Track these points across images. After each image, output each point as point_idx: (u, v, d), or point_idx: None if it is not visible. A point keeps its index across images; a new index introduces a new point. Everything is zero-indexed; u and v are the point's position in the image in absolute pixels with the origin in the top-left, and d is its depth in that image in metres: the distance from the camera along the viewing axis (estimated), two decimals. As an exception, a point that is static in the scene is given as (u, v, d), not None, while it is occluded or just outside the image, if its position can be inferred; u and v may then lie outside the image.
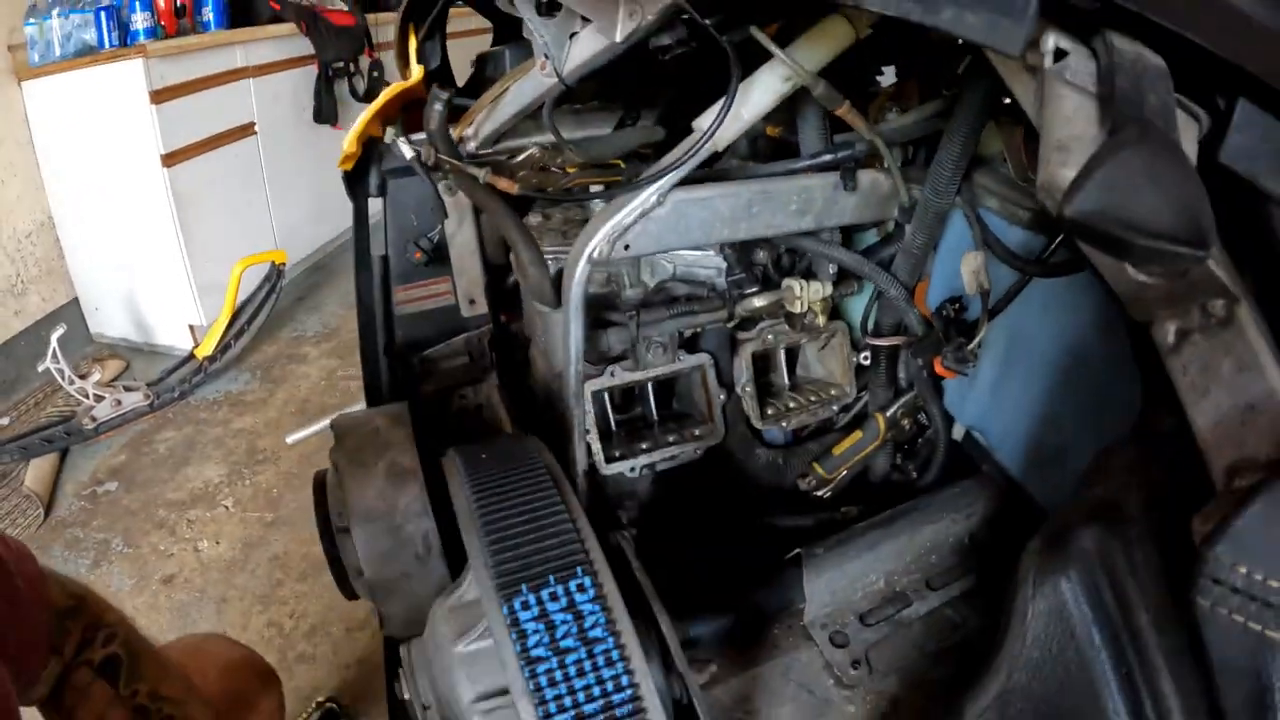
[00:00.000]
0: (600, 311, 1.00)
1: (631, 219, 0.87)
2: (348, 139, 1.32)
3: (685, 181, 0.88)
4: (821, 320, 1.15)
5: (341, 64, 3.07)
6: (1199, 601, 0.41)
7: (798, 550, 1.00)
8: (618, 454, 1.09)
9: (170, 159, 2.43)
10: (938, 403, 1.15)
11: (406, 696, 0.74)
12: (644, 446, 1.11)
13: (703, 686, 0.86)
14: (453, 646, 0.73)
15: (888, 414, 1.18)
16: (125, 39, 2.35)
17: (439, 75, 1.46)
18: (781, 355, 1.26)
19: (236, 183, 2.77)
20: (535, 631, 0.58)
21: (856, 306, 1.21)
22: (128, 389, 2.45)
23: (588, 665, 0.57)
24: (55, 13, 2.25)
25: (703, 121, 0.85)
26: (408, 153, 1.31)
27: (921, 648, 0.95)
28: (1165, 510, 0.48)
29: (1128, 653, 0.45)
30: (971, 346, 0.90)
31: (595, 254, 0.87)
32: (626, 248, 0.88)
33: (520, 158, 1.05)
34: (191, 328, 2.78)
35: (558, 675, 0.56)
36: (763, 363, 1.26)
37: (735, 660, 0.93)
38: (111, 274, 2.72)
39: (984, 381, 1.12)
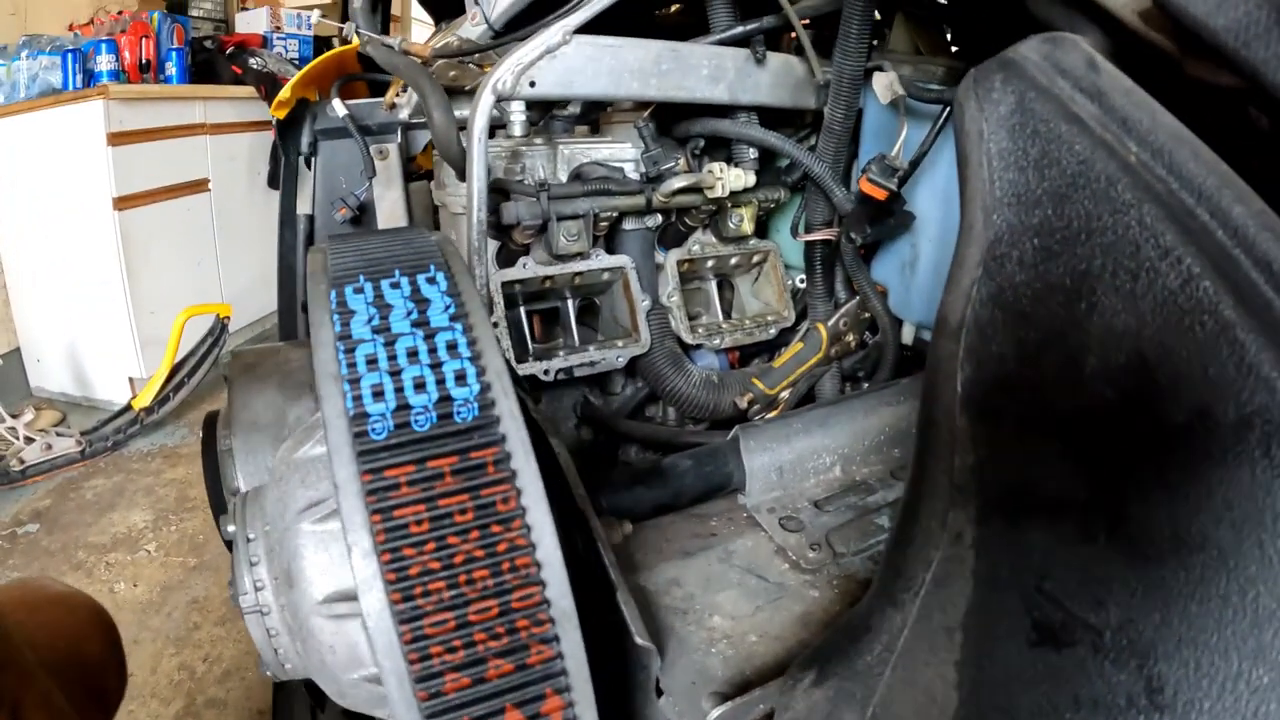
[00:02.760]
0: (510, 189, 0.91)
1: (536, 54, 0.80)
2: (286, 87, 1.28)
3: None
4: (748, 227, 1.07)
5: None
6: None
7: (735, 428, 0.85)
8: (531, 354, 0.96)
9: (122, 203, 2.37)
10: (879, 298, 1.05)
11: (231, 529, 0.58)
12: (561, 349, 0.98)
13: (616, 547, 0.68)
14: (291, 454, 0.58)
15: (829, 324, 1.07)
16: (89, 82, 2.36)
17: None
18: (713, 287, 1.16)
19: (186, 237, 2.71)
20: (362, 311, 0.43)
21: (789, 241, 1.13)
22: (60, 435, 2.35)
23: (423, 351, 0.42)
24: (24, 54, 2.27)
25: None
26: (340, 110, 1.27)
27: (890, 526, 0.78)
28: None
29: (1119, 134, 0.33)
30: (894, 151, 0.81)
31: (499, 85, 0.79)
32: (533, 84, 0.81)
33: (438, 44, 0.99)
34: (131, 380, 2.61)
35: (381, 359, 0.41)
36: (694, 295, 1.16)
37: (659, 544, 0.76)
38: (55, 323, 2.61)
39: (926, 270, 1.02)
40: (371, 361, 0.41)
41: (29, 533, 2.14)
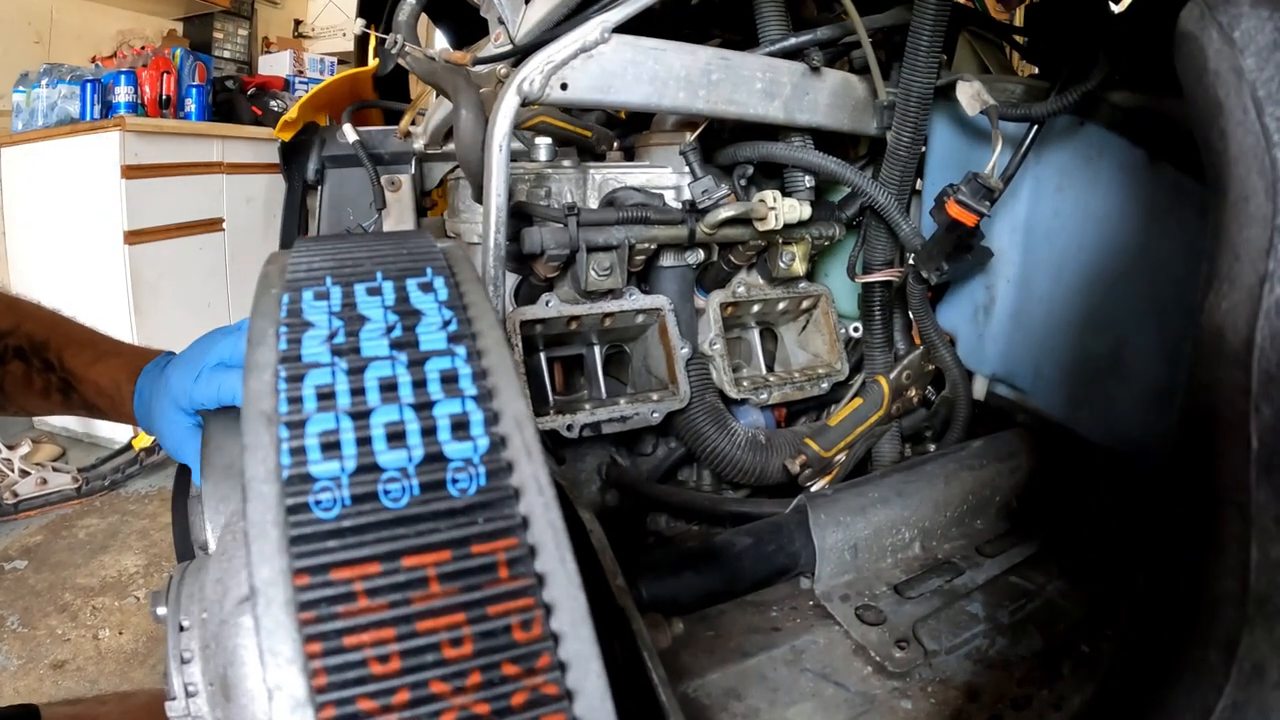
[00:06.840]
0: (534, 213, 0.78)
1: (569, 52, 0.68)
2: (293, 106, 1.18)
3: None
4: (800, 267, 0.93)
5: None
6: None
7: (800, 498, 0.68)
8: (552, 407, 0.81)
9: (133, 237, 2.28)
10: (948, 348, 0.90)
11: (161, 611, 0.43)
12: (587, 402, 0.83)
13: (663, 653, 0.52)
14: (241, 519, 0.44)
15: (890, 377, 0.91)
16: (107, 114, 2.31)
17: (391, 77, 1.35)
18: (756, 335, 1.02)
19: (197, 277, 2.59)
20: (322, 324, 0.28)
21: (840, 286, 1.00)
22: (57, 470, 2.26)
23: (405, 384, 0.27)
24: (44, 82, 2.23)
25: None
26: (351, 136, 1.17)
27: (992, 619, 0.61)
28: None
29: None
30: (988, 169, 0.67)
31: (526, 85, 0.67)
32: (564, 87, 0.68)
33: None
34: (133, 419, 2.48)
35: (341, 392, 0.26)
36: (734, 345, 1.01)
37: (712, 642, 0.59)
38: (61, 354, 2.49)
39: (1002, 315, 0.88)
40: (326, 396, 0.26)
41: (16, 569, 2.02)
